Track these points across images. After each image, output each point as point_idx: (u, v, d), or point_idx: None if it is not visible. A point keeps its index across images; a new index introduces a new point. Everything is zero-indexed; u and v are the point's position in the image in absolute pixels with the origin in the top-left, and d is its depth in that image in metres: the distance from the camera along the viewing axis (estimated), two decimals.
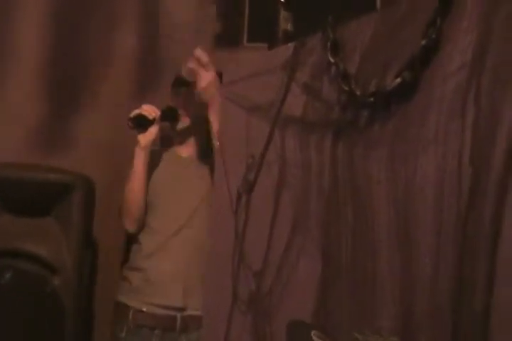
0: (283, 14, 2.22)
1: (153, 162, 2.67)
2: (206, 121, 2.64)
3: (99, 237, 2.82)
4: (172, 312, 2.57)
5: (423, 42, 1.21)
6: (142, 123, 2.56)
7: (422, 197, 1.20)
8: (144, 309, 2.58)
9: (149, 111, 2.56)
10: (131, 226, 2.64)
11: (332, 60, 1.46)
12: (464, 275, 1.12)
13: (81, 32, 2.96)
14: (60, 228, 2.58)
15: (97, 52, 2.98)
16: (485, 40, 1.12)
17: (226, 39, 3.03)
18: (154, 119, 2.57)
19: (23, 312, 2.51)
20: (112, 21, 2.99)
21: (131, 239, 2.70)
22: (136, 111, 2.55)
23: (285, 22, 2.20)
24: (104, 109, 2.94)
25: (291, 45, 1.69)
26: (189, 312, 2.55)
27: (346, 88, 1.39)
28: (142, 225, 2.65)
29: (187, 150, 2.73)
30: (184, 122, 2.68)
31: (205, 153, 2.61)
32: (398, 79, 1.25)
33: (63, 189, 2.58)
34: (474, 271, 1.10)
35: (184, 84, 2.49)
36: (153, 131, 2.58)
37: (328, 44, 1.48)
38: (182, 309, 2.57)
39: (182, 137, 2.73)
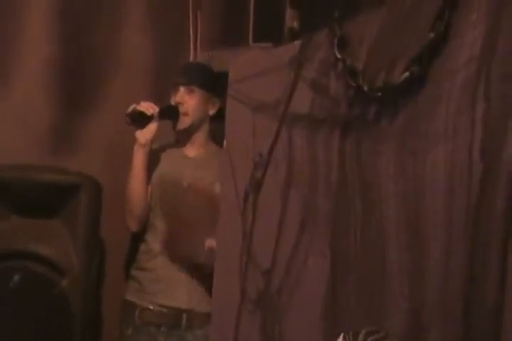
0: (289, 12, 2.22)
1: (156, 159, 2.64)
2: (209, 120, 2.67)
3: (106, 238, 2.81)
4: (178, 311, 2.57)
5: (431, 35, 1.20)
6: (140, 119, 2.51)
7: (432, 192, 1.19)
8: (151, 307, 2.58)
9: (147, 107, 2.52)
10: (132, 225, 2.62)
11: (339, 55, 1.45)
12: (475, 272, 1.10)
13: (88, 31, 2.93)
14: (67, 229, 2.56)
15: (105, 53, 2.96)
16: (493, 32, 1.11)
17: (231, 39, 3.01)
18: (152, 115, 2.52)
19: (32, 314, 2.50)
20: (119, 21, 2.97)
21: (137, 239, 2.69)
22: (133, 107, 2.51)
23: (291, 20, 2.19)
24: (112, 110, 2.91)
25: (297, 43, 1.68)
26: (195, 310, 2.55)
27: (354, 83, 1.38)
28: (144, 224, 2.62)
29: (193, 150, 2.71)
30: (185, 122, 2.65)
31: (213, 154, 2.60)
32: (406, 74, 1.24)
33: (70, 190, 2.56)
34: (486, 268, 1.08)
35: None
36: (152, 128, 2.53)
37: (335, 40, 1.47)
38: (187, 310, 2.57)
39: (185, 137, 2.70)
